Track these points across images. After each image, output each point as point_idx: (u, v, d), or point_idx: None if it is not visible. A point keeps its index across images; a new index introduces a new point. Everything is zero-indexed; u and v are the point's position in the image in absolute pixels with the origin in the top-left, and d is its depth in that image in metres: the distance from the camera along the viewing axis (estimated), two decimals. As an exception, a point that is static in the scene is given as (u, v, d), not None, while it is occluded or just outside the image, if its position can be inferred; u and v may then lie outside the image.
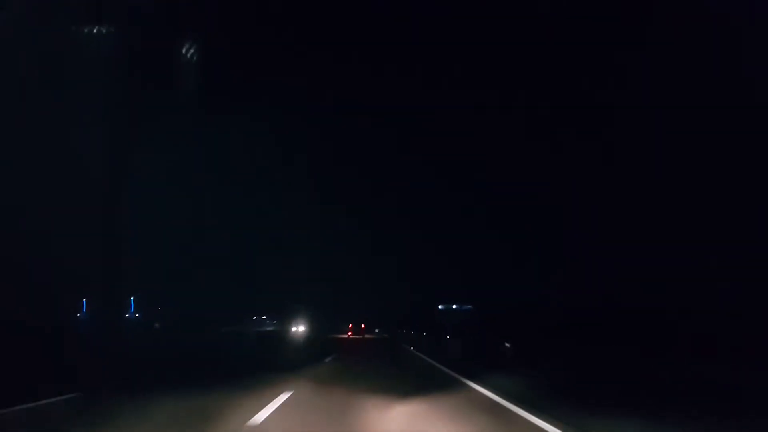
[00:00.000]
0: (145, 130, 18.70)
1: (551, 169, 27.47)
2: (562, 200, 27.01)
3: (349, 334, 55.65)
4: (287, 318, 50.92)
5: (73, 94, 13.93)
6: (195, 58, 14.19)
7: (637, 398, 8.42)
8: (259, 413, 6.92)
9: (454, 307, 54.66)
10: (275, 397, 8.33)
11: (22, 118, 12.74)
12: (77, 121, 14.53)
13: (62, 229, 14.70)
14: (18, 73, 12.34)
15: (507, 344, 26.80)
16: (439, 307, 55.88)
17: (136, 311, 41.62)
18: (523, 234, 33.22)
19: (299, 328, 47.90)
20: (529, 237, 31.81)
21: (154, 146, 20.18)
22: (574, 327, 21.57)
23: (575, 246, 25.34)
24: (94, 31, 13.05)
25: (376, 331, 72.08)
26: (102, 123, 15.27)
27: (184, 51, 14.03)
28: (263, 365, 15.30)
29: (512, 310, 32.43)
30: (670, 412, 7.05)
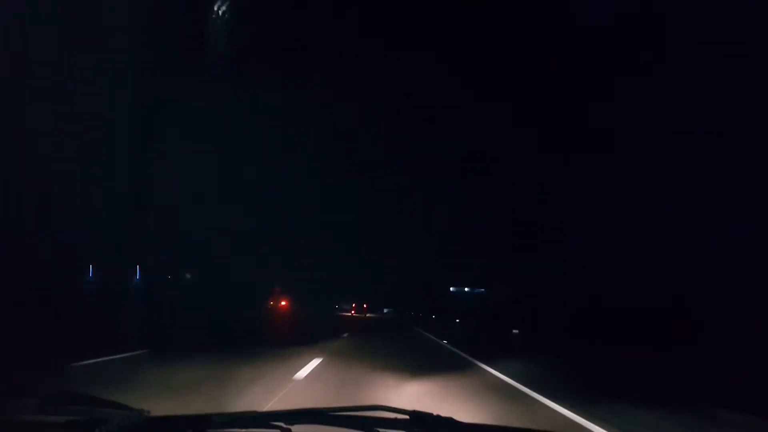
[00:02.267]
0: (175, 92, 18.78)
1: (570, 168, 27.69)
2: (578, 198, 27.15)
3: (352, 312, 59.65)
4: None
5: (104, 52, 14.01)
6: (227, 17, 14.12)
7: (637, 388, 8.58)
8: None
9: (466, 290, 55.06)
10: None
11: (51, 78, 12.85)
12: (107, 82, 14.64)
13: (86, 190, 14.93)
14: (49, 30, 12.40)
15: (515, 330, 27.15)
16: (451, 289, 56.32)
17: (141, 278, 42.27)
18: (540, 225, 33.26)
19: None
20: (548, 229, 31.82)
21: (180, 111, 20.27)
22: (583, 320, 21.76)
23: (589, 243, 25.40)
24: None
25: (385, 311, 73.52)
26: (132, 84, 15.34)
27: (215, 9, 13.97)
28: None
29: (526, 298, 32.54)
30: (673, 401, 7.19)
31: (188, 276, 36.28)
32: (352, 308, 62.20)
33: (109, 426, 1.50)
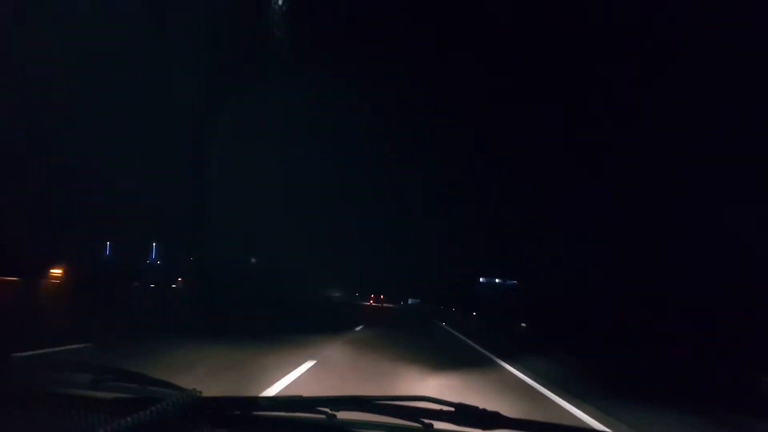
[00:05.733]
0: (234, 82, 19.20)
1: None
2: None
3: (371, 302, 69.36)
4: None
5: (165, 47, 14.38)
6: (285, 8, 14.28)
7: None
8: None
9: (497, 281, 54.39)
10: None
11: (116, 70, 13.19)
12: (171, 73, 15.00)
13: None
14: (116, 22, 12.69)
15: (523, 324, 27.57)
16: (480, 279, 55.70)
17: (157, 258, 43.20)
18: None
19: None
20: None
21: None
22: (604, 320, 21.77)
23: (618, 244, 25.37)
24: None
25: (410, 302, 78.66)
26: (194, 74, 15.68)
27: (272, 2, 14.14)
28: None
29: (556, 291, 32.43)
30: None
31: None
32: (371, 299, 71.60)
33: (165, 405, 1.58)
